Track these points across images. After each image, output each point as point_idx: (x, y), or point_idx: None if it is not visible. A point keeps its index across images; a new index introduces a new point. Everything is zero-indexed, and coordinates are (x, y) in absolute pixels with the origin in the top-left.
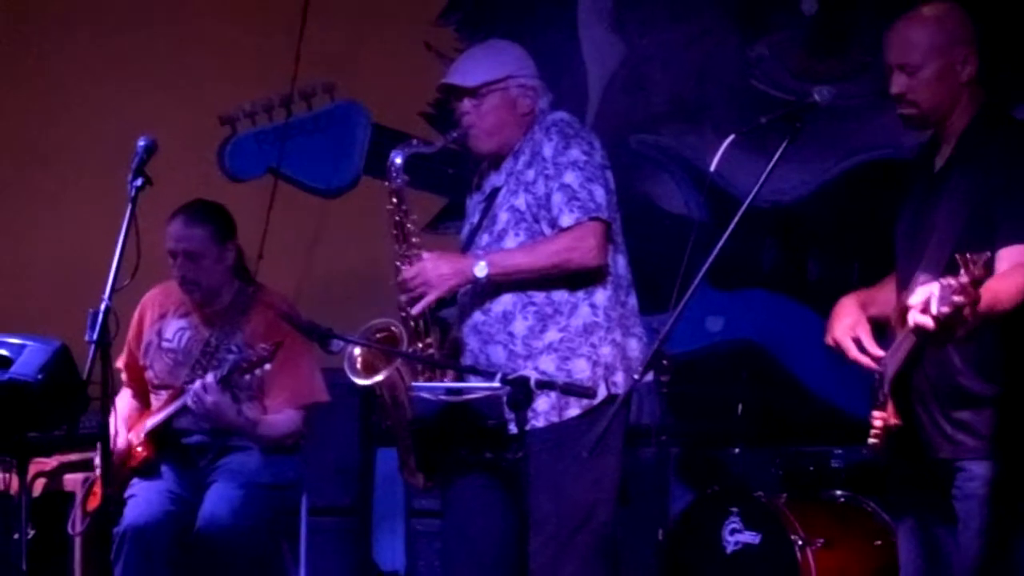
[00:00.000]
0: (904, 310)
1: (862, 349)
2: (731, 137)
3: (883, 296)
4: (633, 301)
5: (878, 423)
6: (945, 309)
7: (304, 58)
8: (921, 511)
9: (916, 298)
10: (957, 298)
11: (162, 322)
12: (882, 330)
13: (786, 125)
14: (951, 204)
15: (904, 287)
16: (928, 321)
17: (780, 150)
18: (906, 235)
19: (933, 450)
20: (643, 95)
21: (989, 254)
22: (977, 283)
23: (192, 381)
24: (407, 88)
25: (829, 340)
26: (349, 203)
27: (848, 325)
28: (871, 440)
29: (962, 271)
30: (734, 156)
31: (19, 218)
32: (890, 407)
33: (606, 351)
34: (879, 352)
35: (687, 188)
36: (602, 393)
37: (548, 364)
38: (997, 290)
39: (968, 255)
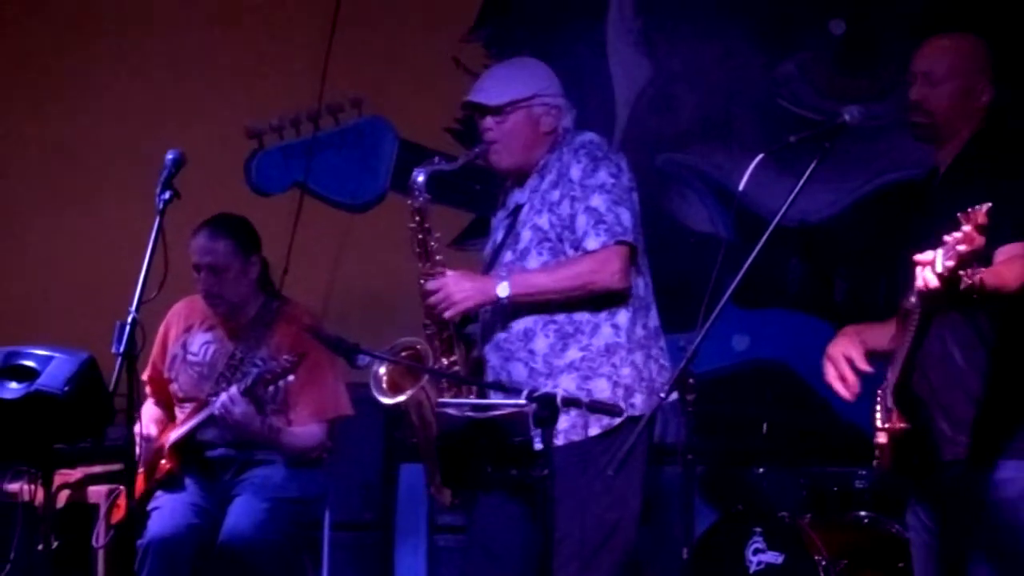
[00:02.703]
0: (905, 313)
1: (853, 369)
2: (760, 156)
3: (883, 331)
4: (653, 323)
5: (882, 440)
6: (950, 263)
7: (332, 73)
8: (931, 520)
9: (921, 258)
10: (962, 248)
11: (187, 335)
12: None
13: (815, 145)
14: (944, 220)
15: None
16: (933, 279)
17: (809, 170)
18: (906, 258)
19: (938, 453)
20: (670, 114)
21: (990, 204)
22: (980, 228)
23: (216, 394)
24: (435, 104)
25: (824, 358)
26: (375, 218)
27: (842, 344)
28: (875, 462)
29: (963, 224)
30: (761, 175)
31: (47, 230)
32: (894, 415)
33: (626, 372)
34: (868, 369)
35: (713, 207)
36: None
37: (569, 383)
38: (1002, 272)
39: (968, 209)
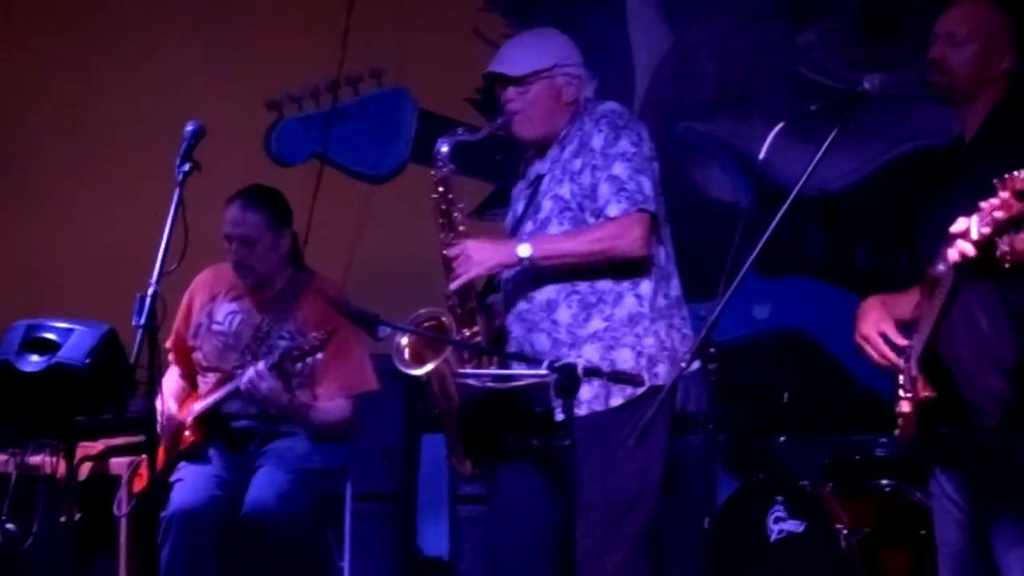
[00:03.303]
0: (933, 281)
1: (888, 342)
2: (780, 125)
3: (907, 300)
4: (675, 293)
5: (905, 408)
6: (986, 230)
7: (351, 43)
8: (958, 491)
9: (956, 227)
10: (998, 214)
11: (212, 304)
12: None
13: (835, 113)
14: (971, 187)
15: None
16: (968, 247)
17: (830, 139)
18: (929, 227)
19: (966, 422)
20: (691, 83)
21: None
22: (1019, 195)
23: (242, 366)
24: (454, 74)
25: (857, 338)
26: (395, 189)
27: (873, 320)
28: (897, 431)
29: (1000, 190)
30: (782, 144)
31: (68, 203)
32: (920, 382)
33: (650, 342)
34: (904, 341)
35: (734, 175)
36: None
37: (592, 353)
38: None
39: (1005, 174)
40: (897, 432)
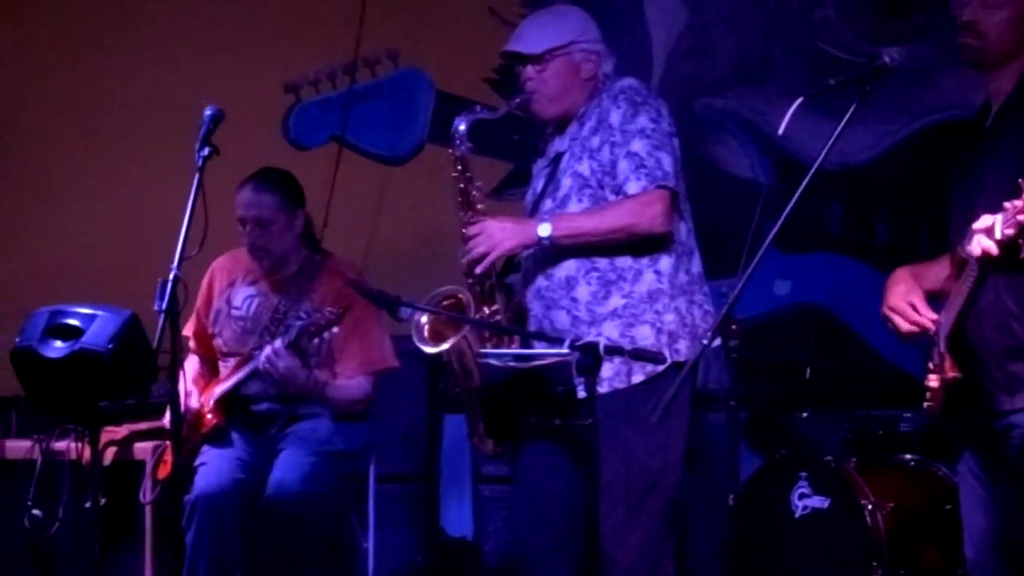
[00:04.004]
0: (961, 261)
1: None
2: (800, 100)
3: (936, 270)
4: (696, 269)
5: (934, 384)
6: (1010, 231)
7: (368, 25)
8: (982, 470)
9: (979, 224)
10: (1022, 217)
11: (231, 290)
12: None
13: (855, 88)
14: (998, 159)
15: (959, 243)
16: (991, 246)
17: (849, 113)
18: (958, 197)
19: (991, 403)
20: (708, 59)
21: None
22: None
23: (260, 348)
24: (471, 54)
25: (885, 309)
26: (413, 170)
27: (902, 292)
28: (926, 404)
29: None
30: (801, 119)
31: (88, 188)
32: (947, 362)
33: (670, 318)
34: (933, 315)
35: (753, 151)
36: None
37: (612, 330)
38: None
39: None
40: (926, 405)
